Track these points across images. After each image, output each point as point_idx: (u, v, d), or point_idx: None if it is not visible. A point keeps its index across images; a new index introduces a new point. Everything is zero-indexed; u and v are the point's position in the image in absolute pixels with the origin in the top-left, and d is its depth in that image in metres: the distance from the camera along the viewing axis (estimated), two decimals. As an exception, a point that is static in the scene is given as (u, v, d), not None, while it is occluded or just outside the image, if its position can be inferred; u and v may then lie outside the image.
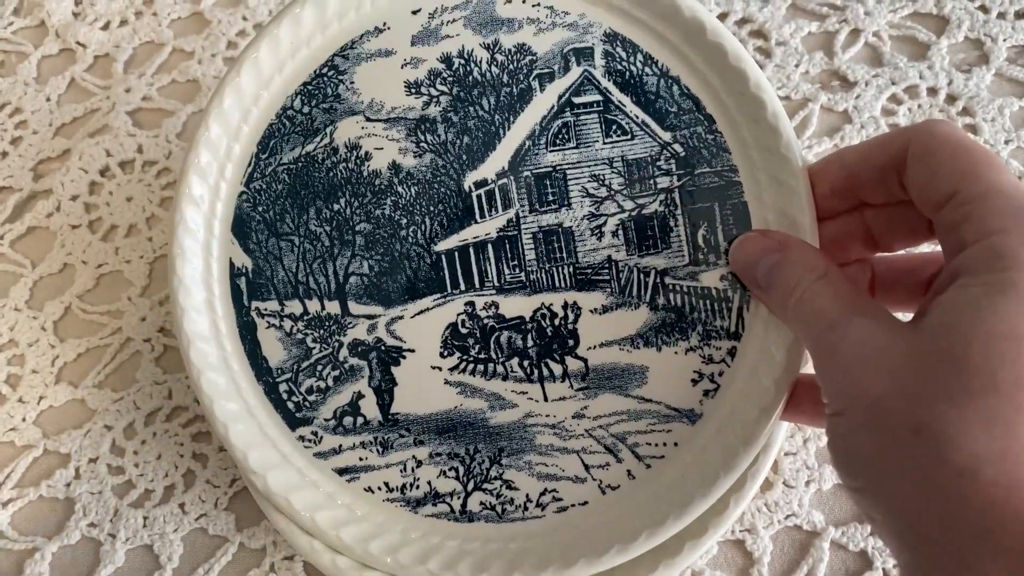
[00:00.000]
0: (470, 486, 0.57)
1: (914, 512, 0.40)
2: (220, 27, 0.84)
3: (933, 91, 0.76)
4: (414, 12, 0.60)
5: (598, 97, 0.58)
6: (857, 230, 0.54)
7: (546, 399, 0.57)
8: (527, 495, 0.56)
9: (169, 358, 0.70)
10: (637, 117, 0.58)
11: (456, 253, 0.58)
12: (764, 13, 0.80)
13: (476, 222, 0.58)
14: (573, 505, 0.56)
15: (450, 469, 0.57)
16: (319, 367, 0.58)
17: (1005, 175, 0.44)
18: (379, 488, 0.57)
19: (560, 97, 0.58)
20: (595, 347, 0.57)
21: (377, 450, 0.57)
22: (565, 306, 0.58)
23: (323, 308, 0.58)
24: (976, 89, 0.75)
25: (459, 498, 0.57)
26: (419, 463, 0.57)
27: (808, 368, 0.53)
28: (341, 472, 0.57)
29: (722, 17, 0.80)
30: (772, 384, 0.52)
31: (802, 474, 0.63)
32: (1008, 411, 0.38)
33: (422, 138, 0.59)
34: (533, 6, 0.59)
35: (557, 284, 0.58)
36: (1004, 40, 0.77)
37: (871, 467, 0.42)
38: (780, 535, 0.62)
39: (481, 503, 0.56)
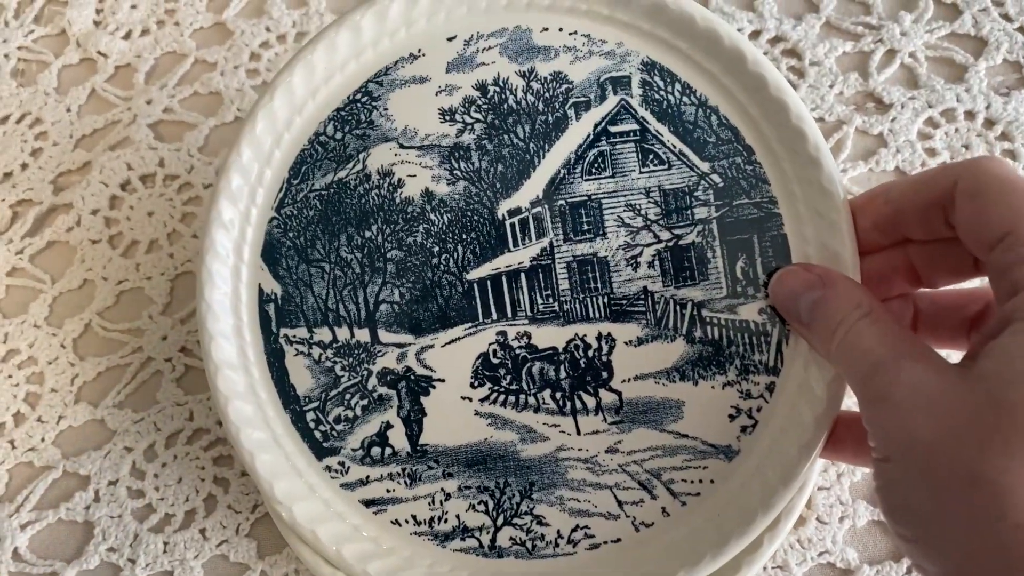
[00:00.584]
0: (500, 521, 0.57)
1: (970, 567, 0.40)
2: (243, 38, 0.84)
3: (971, 115, 0.75)
4: (449, 39, 0.60)
5: (635, 126, 0.59)
6: (900, 265, 0.54)
7: (579, 432, 0.57)
8: (558, 531, 0.56)
9: (190, 379, 0.70)
10: (675, 147, 0.58)
11: (488, 282, 0.58)
12: (797, 32, 0.79)
13: (509, 251, 0.59)
14: (605, 542, 0.56)
15: (479, 503, 0.57)
16: (347, 396, 0.58)
17: None
18: (406, 521, 0.57)
19: (596, 126, 0.59)
20: (630, 380, 0.57)
21: (405, 482, 0.57)
22: (599, 337, 0.58)
23: (352, 336, 0.59)
24: (1015, 113, 0.74)
25: (488, 533, 0.57)
26: (448, 496, 0.57)
27: (848, 405, 0.53)
28: (368, 504, 0.57)
29: (754, 35, 0.80)
30: (812, 421, 0.52)
31: (836, 510, 0.63)
32: None
33: (456, 165, 0.59)
34: (570, 34, 0.60)
35: (591, 315, 0.58)
36: (1045, 63, 0.76)
37: (924, 518, 0.42)
38: (813, 573, 0.62)
39: (511, 538, 0.56)
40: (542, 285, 0.58)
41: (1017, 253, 0.43)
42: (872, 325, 0.47)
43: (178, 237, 0.76)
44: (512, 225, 0.59)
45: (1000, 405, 0.40)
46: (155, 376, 0.70)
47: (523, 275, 0.58)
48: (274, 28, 0.84)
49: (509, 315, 0.58)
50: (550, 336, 0.58)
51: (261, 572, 0.64)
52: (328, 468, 0.58)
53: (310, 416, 0.58)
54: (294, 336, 0.59)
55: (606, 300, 0.58)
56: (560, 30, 0.60)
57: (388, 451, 0.58)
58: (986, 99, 0.75)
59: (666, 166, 0.58)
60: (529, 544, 0.56)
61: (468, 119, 0.59)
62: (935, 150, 0.74)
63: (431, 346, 0.58)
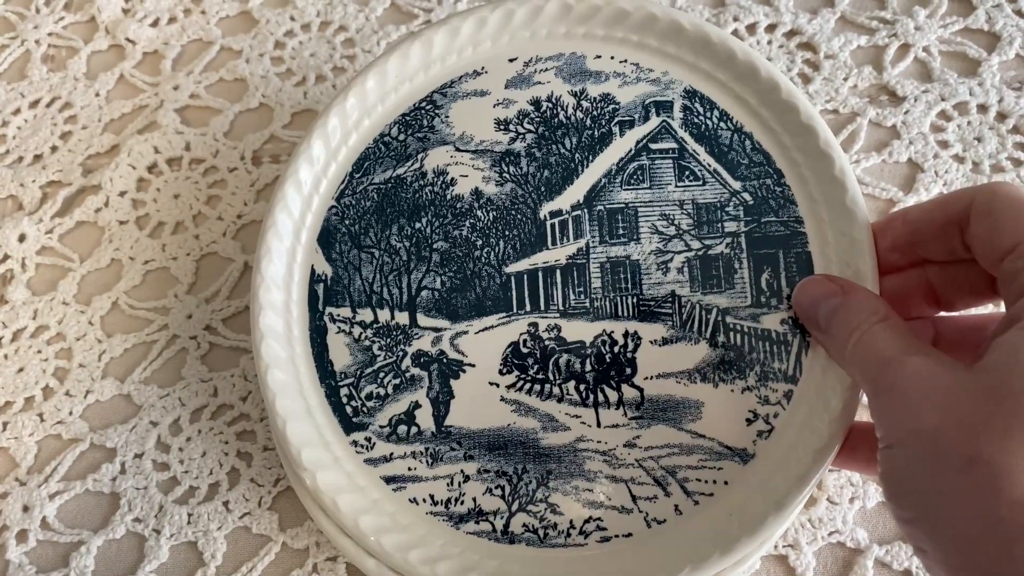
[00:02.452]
0: (515, 507, 0.60)
1: (967, 544, 0.43)
2: (268, 27, 0.91)
3: (983, 108, 0.81)
4: (511, 60, 0.70)
5: (674, 145, 0.67)
6: (919, 286, 0.59)
7: (599, 425, 0.62)
8: (571, 521, 0.60)
9: (215, 356, 0.76)
10: (709, 165, 0.66)
11: (525, 276, 0.65)
12: (813, 25, 0.86)
13: (548, 248, 0.66)
14: (616, 536, 0.59)
15: (496, 487, 0.61)
16: (381, 374, 0.64)
17: None
18: (424, 500, 0.61)
19: (638, 142, 0.67)
20: (652, 377, 0.62)
21: (427, 461, 0.62)
22: (626, 335, 0.64)
23: (393, 318, 0.65)
24: (1027, 108, 0.80)
25: (502, 518, 0.60)
26: (466, 478, 0.61)
27: (863, 416, 0.58)
28: (388, 480, 0.61)
29: (770, 29, 0.86)
30: (827, 429, 0.57)
31: (846, 491, 0.67)
32: None
33: (505, 169, 0.67)
34: (620, 62, 0.70)
35: (620, 313, 0.64)
36: (1056, 58, 0.82)
37: (924, 498, 0.46)
38: (823, 551, 0.66)
39: (524, 525, 0.60)
40: (575, 282, 0.65)
41: None
42: (887, 329, 0.52)
43: (203, 219, 0.82)
44: (552, 225, 0.66)
45: (1000, 391, 0.44)
46: (180, 353, 0.76)
47: (558, 271, 0.65)
48: (298, 17, 0.91)
49: (542, 308, 0.65)
50: (579, 330, 0.64)
51: (282, 544, 0.68)
52: (355, 443, 0.62)
53: (343, 391, 0.64)
54: (338, 315, 0.65)
55: (635, 300, 0.64)
56: (612, 58, 0.70)
57: (414, 430, 0.63)
58: (999, 93, 0.81)
59: (700, 182, 0.66)
60: (541, 532, 0.59)
61: (521, 129, 0.68)
62: (947, 142, 0.80)
63: (465, 332, 0.64)
